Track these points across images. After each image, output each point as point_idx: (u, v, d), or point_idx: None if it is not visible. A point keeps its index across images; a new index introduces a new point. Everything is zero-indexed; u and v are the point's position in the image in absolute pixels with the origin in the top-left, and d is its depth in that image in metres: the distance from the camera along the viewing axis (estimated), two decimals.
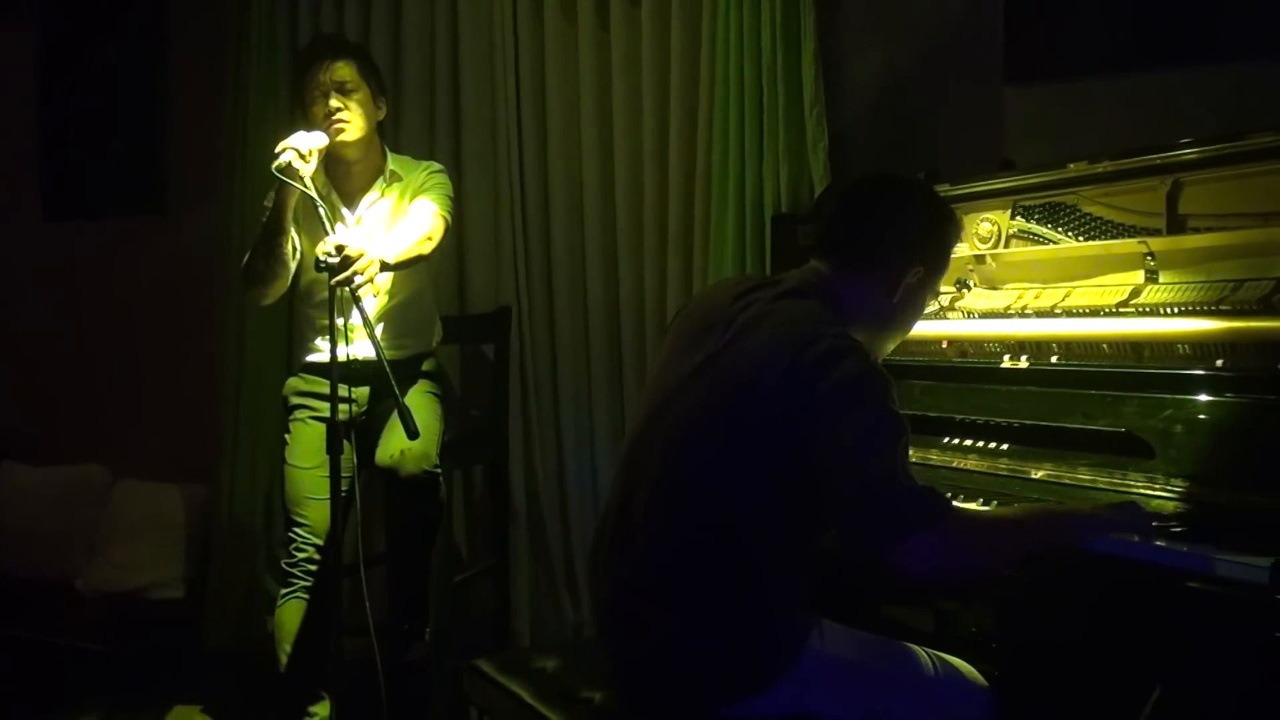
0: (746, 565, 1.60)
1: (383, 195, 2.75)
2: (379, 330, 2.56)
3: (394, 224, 2.73)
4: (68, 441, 4.13)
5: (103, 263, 4.17)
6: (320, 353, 2.72)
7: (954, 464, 2.06)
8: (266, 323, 3.40)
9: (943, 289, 2.28)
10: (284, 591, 2.61)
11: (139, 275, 4.08)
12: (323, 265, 2.29)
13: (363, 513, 2.82)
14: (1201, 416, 1.74)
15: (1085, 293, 2.05)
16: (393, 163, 2.77)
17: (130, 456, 3.99)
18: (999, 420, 2.03)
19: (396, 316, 2.75)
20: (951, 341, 2.25)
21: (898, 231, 1.77)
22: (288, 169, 2.37)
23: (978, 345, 2.19)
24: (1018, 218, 2.23)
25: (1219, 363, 1.77)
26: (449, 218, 2.73)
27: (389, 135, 2.98)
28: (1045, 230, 2.18)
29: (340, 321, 2.31)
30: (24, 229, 4.30)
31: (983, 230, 2.28)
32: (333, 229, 2.37)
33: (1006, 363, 2.11)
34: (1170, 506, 1.68)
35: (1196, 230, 1.91)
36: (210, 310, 3.62)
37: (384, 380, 2.24)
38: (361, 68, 2.70)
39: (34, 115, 4.31)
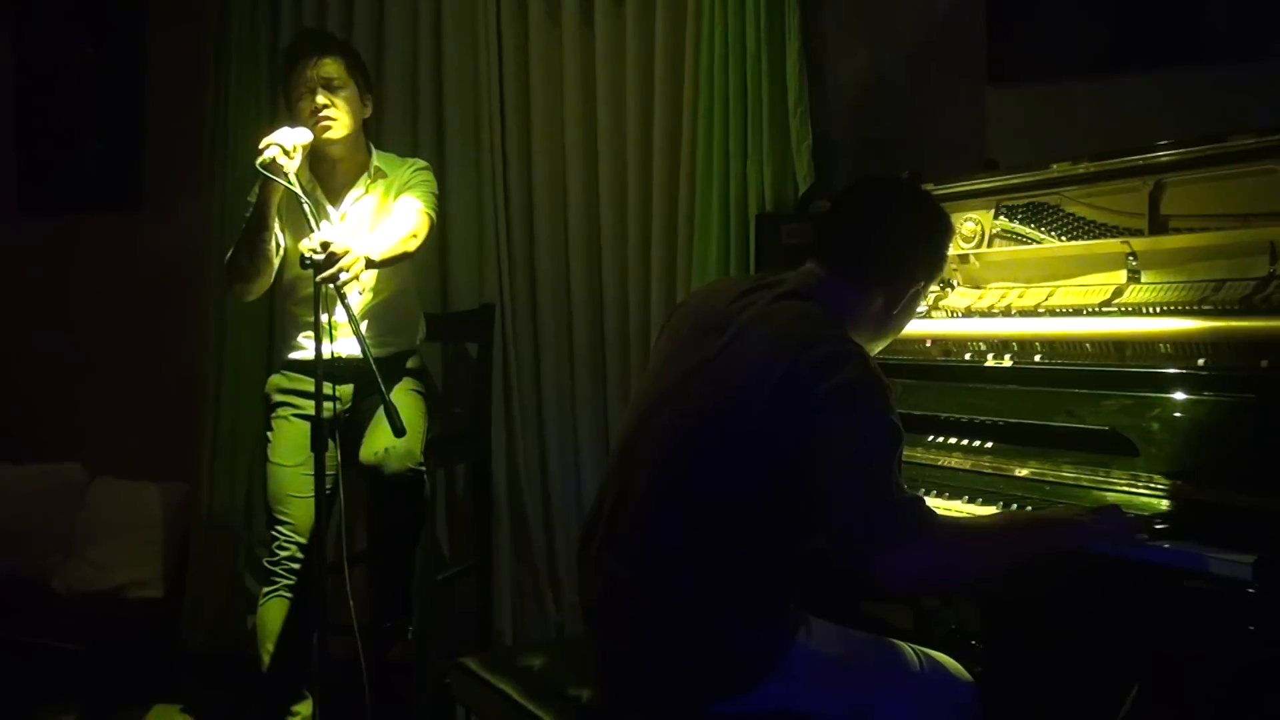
0: (740, 565, 1.60)
1: (367, 191, 2.74)
2: (363, 327, 2.55)
3: (378, 221, 2.72)
4: (45, 439, 4.10)
5: (80, 259, 4.14)
6: (304, 350, 2.71)
7: (938, 462, 2.07)
8: (247, 320, 3.38)
9: None
10: (266, 590, 2.60)
11: (117, 271, 4.05)
12: (308, 262, 2.28)
13: (345, 511, 2.81)
14: (1183, 415, 1.75)
15: (1068, 292, 2.07)
16: (377, 159, 2.76)
17: (108, 454, 3.96)
18: (983, 419, 2.04)
19: (380, 314, 2.74)
20: (935, 340, 2.26)
21: (905, 249, 1.77)
22: (272, 165, 2.35)
23: (962, 344, 2.20)
24: (1001, 217, 2.24)
25: (1200, 362, 1.78)
26: (434, 215, 2.72)
27: (371, 132, 2.96)
28: (1029, 230, 2.19)
29: (324, 318, 2.30)
30: (0, 224, 4.25)
31: (966, 230, 2.29)
32: (317, 225, 2.35)
33: (990, 361, 2.12)
34: (1153, 504, 1.70)
35: (1178, 231, 1.93)
36: (190, 307, 3.60)
37: (368, 377, 2.23)
38: (349, 65, 2.68)
39: (11, 110, 4.28)
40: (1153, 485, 1.71)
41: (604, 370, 3.20)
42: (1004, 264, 2.25)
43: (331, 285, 2.28)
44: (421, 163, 2.82)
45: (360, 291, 2.66)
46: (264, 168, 2.35)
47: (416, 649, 2.75)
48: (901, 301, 1.77)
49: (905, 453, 2.08)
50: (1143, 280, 1.97)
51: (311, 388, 2.31)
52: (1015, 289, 2.18)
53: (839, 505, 1.54)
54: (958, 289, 2.32)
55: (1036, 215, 2.17)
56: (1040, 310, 2.09)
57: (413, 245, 2.61)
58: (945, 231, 1.83)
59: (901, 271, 1.76)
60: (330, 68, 2.64)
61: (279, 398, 2.72)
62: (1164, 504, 1.69)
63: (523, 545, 3.27)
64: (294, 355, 2.75)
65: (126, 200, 4.05)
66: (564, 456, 3.25)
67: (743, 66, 2.84)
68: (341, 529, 2.76)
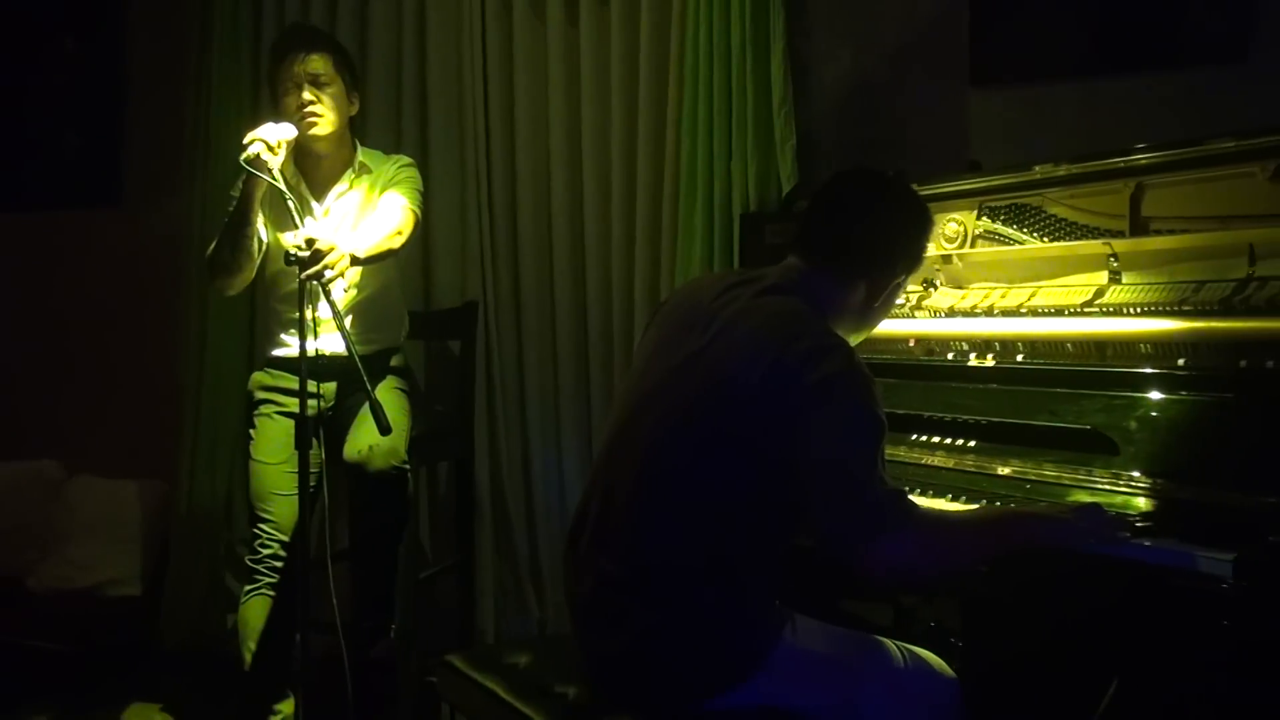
0: (727, 561, 1.61)
1: (351, 187, 2.73)
2: (346, 323, 2.54)
3: (362, 217, 2.71)
4: (22, 435, 4.05)
5: (58, 254, 4.10)
6: (287, 347, 2.70)
7: (921, 460, 2.09)
8: (228, 317, 3.37)
9: (910, 288, 2.31)
10: (248, 588, 2.59)
11: (96, 268, 4.01)
12: (293, 259, 2.27)
13: (328, 509, 2.80)
14: (1163, 414, 1.78)
15: (1050, 293, 2.09)
16: (362, 155, 2.75)
17: (86, 452, 3.92)
18: (966, 418, 2.06)
19: (364, 311, 2.73)
20: (918, 340, 2.28)
21: (887, 243, 1.78)
22: (256, 160, 2.34)
23: (944, 344, 2.22)
24: (984, 218, 2.26)
25: (1180, 362, 1.81)
26: (419, 212, 2.72)
27: (356, 128, 2.95)
28: (1011, 231, 2.21)
29: (308, 315, 2.29)
30: None
31: (949, 230, 2.31)
32: (301, 221, 2.35)
33: (973, 361, 2.14)
34: (1134, 502, 1.72)
35: (1159, 232, 1.96)
36: (170, 304, 3.57)
37: (352, 375, 2.23)
38: (337, 61, 2.67)
39: None
40: (1133, 484, 1.73)
41: (587, 369, 3.20)
42: (987, 264, 2.26)
43: (316, 282, 2.28)
44: (406, 159, 2.81)
45: (345, 288, 2.65)
46: (248, 163, 2.34)
47: (398, 647, 2.74)
48: (882, 294, 1.79)
49: (889, 451, 2.10)
50: (1124, 281, 1.99)
51: (294, 385, 2.30)
52: (998, 289, 2.20)
53: (822, 496, 1.55)
54: (941, 289, 2.33)
55: (1019, 216, 2.19)
56: (1022, 310, 2.11)
57: (398, 242, 2.61)
58: (926, 224, 1.85)
59: (883, 264, 1.77)
60: (318, 64, 2.62)
61: (261, 395, 2.71)
62: (1145, 502, 1.71)
63: (505, 544, 3.27)
64: (277, 352, 2.74)
65: (105, 195, 4.01)
66: (547, 455, 3.24)
67: (727, 67, 2.85)
68: (325, 527, 2.74)
